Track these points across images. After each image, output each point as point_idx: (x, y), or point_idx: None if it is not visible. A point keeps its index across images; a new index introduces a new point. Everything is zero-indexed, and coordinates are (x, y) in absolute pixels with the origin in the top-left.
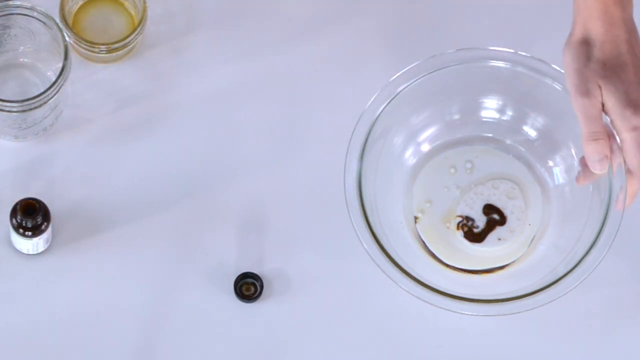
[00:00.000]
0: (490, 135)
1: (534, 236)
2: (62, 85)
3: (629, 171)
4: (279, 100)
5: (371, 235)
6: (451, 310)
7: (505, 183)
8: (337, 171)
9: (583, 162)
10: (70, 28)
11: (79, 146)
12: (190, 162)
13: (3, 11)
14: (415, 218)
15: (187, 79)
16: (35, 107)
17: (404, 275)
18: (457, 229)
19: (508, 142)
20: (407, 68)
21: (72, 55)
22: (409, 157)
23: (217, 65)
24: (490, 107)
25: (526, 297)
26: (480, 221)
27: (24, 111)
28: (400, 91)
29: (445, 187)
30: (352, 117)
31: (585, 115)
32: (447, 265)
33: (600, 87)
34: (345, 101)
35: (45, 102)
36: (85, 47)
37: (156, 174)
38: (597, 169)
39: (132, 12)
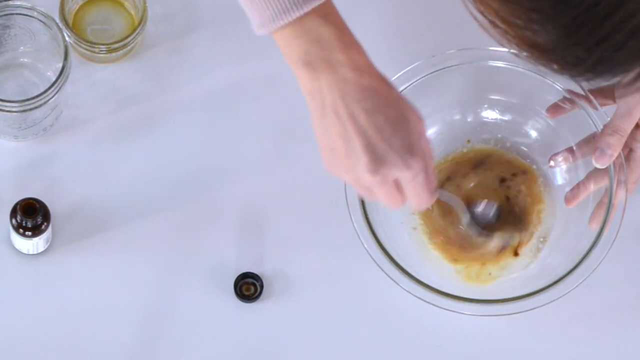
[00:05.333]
0: (490, 135)
1: (535, 236)
2: (62, 85)
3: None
4: (279, 100)
5: (371, 235)
6: (451, 310)
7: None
8: None
9: (553, 159)
10: (70, 28)
11: (79, 146)
12: (190, 162)
13: (3, 11)
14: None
15: (187, 79)
16: (35, 107)
17: (404, 275)
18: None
19: (508, 142)
20: (408, 68)
21: (72, 55)
22: None
23: (217, 65)
24: (491, 108)
25: (526, 297)
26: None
27: (24, 111)
28: (401, 91)
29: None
30: None
31: (626, 109)
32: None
33: None
34: None
35: (45, 102)
36: (85, 47)
37: (156, 173)
38: (601, 162)
39: (132, 12)
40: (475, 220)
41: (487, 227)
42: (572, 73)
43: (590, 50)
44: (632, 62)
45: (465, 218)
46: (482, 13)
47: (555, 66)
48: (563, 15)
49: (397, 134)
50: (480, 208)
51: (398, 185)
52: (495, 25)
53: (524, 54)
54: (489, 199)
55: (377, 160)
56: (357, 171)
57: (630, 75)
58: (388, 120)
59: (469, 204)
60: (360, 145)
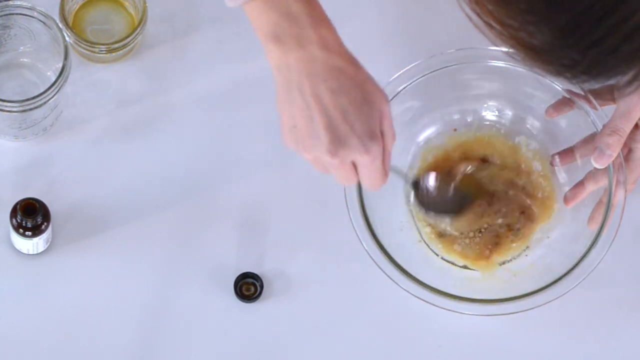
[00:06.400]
0: (490, 135)
1: (535, 236)
2: (62, 85)
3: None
4: None
5: (371, 235)
6: (451, 310)
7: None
8: None
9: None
10: (70, 28)
11: (79, 146)
12: (190, 162)
13: (3, 11)
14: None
15: (187, 79)
16: (35, 107)
17: (404, 275)
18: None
19: (508, 142)
20: (407, 68)
21: (72, 55)
22: (409, 156)
23: (217, 65)
24: (490, 108)
25: (526, 297)
26: None
27: (24, 111)
28: (400, 91)
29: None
30: None
31: (625, 109)
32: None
33: None
34: None
35: (45, 102)
36: (85, 47)
37: (156, 173)
38: (600, 162)
39: (132, 12)
40: (422, 194)
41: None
42: (566, 75)
43: (585, 53)
44: (626, 65)
45: (410, 197)
46: (477, 14)
47: (549, 68)
48: (558, 17)
49: (360, 117)
50: (424, 181)
51: (354, 166)
52: (490, 27)
53: (519, 55)
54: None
55: (337, 142)
56: (316, 151)
57: (626, 78)
58: (353, 102)
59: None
60: (322, 126)
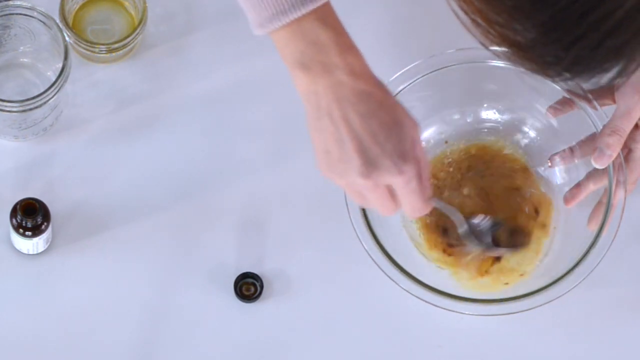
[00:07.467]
0: (490, 135)
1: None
2: (62, 85)
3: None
4: (279, 100)
5: (371, 235)
6: (451, 310)
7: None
8: None
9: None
10: (70, 28)
11: (79, 146)
12: (190, 162)
13: (3, 11)
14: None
15: (187, 79)
16: (35, 107)
17: (404, 275)
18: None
19: (507, 142)
20: (407, 68)
21: (72, 55)
22: None
23: (217, 65)
24: (490, 107)
25: (526, 297)
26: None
27: (24, 111)
28: (400, 91)
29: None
30: None
31: (625, 109)
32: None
33: None
34: None
35: (45, 102)
36: (85, 47)
37: (156, 174)
38: (600, 162)
39: (132, 12)
40: (472, 231)
41: (484, 239)
42: (551, 72)
43: (568, 48)
44: (610, 61)
45: (462, 229)
46: (464, 11)
47: (534, 66)
48: (541, 13)
49: (391, 139)
50: (478, 221)
51: (391, 192)
52: (477, 24)
53: (505, 53)
54: (488, 211)
55: (369, 165)
56: (349, 175)
57: (610, 75)
58: (382, 125)
59: (467, 215)
60: (354, 149)
